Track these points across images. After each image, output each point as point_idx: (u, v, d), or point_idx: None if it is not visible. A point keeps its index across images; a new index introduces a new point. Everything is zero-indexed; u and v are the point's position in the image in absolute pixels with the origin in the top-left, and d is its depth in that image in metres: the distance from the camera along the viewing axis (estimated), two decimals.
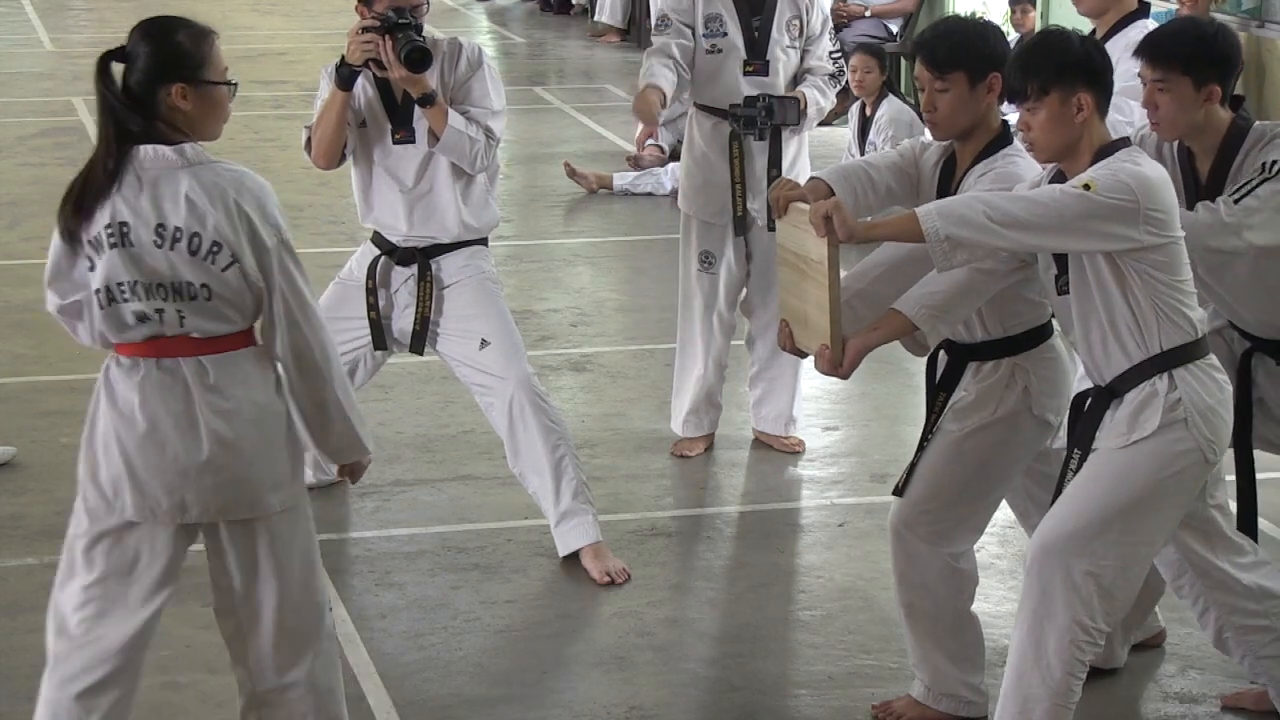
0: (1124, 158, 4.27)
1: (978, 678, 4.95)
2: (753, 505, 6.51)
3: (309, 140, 5.85)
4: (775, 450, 6.91)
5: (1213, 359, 4.40)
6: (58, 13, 18.55)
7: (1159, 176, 4.25)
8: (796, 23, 6.66)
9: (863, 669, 5.24)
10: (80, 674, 4.24)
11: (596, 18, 18.01)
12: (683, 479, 6.69)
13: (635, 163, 11.44)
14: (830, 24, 6.83)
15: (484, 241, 6.01)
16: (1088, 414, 4.44)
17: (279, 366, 4.12)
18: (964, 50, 4.56)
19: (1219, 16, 9.98)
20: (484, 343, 5.89)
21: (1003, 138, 4.64)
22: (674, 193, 10.93)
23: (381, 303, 5.99)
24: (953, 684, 4.91)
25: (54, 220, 4.14)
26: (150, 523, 4.11)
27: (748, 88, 6.61)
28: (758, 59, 6.62)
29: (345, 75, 5.74)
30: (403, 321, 6.00)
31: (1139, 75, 4.73)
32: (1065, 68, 4.28)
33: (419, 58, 5.63)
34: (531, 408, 5.80)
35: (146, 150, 4.06)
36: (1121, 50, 5.93)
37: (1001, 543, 6.13)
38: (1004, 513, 6.38)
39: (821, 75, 6.70)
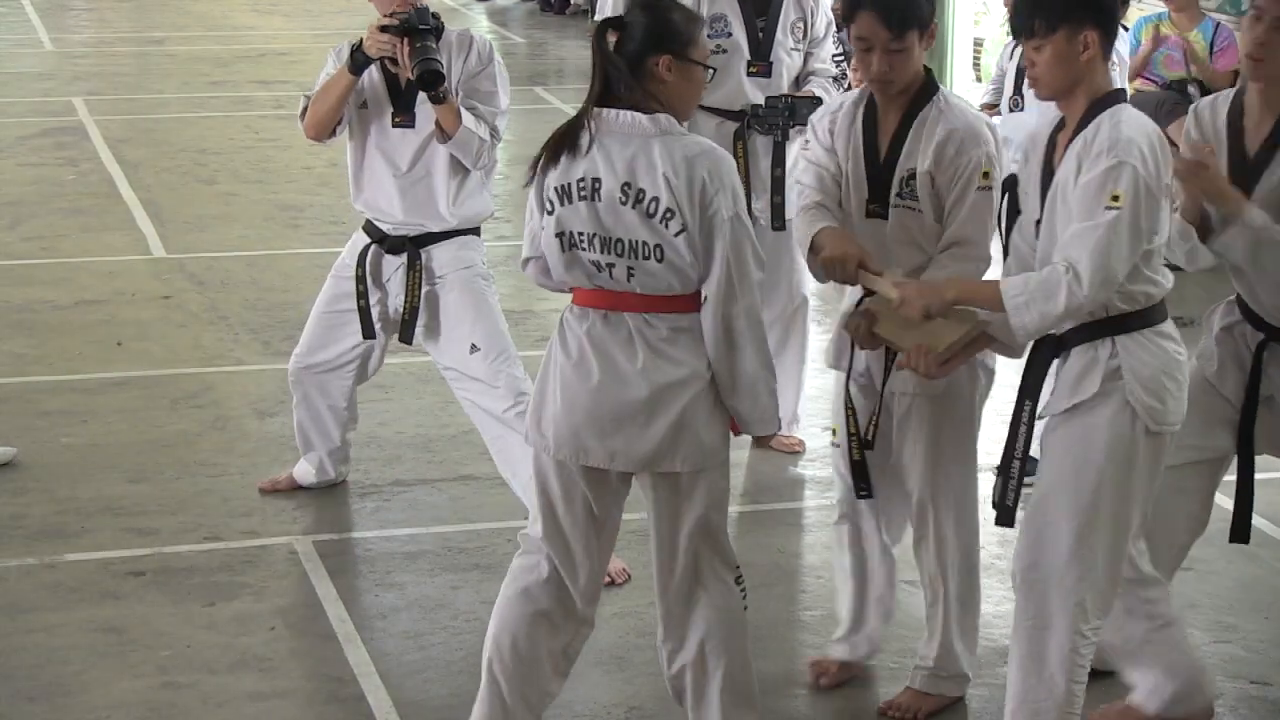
0: (1123, 127, 4.26)
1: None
2: (753, 505, 6.50)
3: (305, 110, 5.90)
4: (775, 450, 6.91)
5: (1165, 327, 4.40)
6: (58, 13, 18.55)
7: (1149, 134, 4.27)
8: (801, 25, 6.67)
9: (863, 669, 5.23)
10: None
11: (597, 18, 18.02)
12: None
13: None
14: (834, 26, 6.84)
15: (476, 232, 6.02)
16: (1035, 361, 4.49)
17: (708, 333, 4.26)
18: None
19: (1217, 17, 9.99)
20: (474, 348, 5.90)
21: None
22: None
23: (374, 294, 6.00)
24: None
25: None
26: (580, 464, 4.38)
27: (751, 89, 6.62)
28: (762, 60, 6.62)
29: (359, 62, 5.78)
30: (393, 311, 6.01)
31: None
32: (1074, 5, 4.29)
33: (431, 80, 5.65)
34: (523, 417, 5.80)
35: (626, 115, 4.22)
36: None
37: (1001, 543, 6.13)
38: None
39: (825, 77, 6.72)
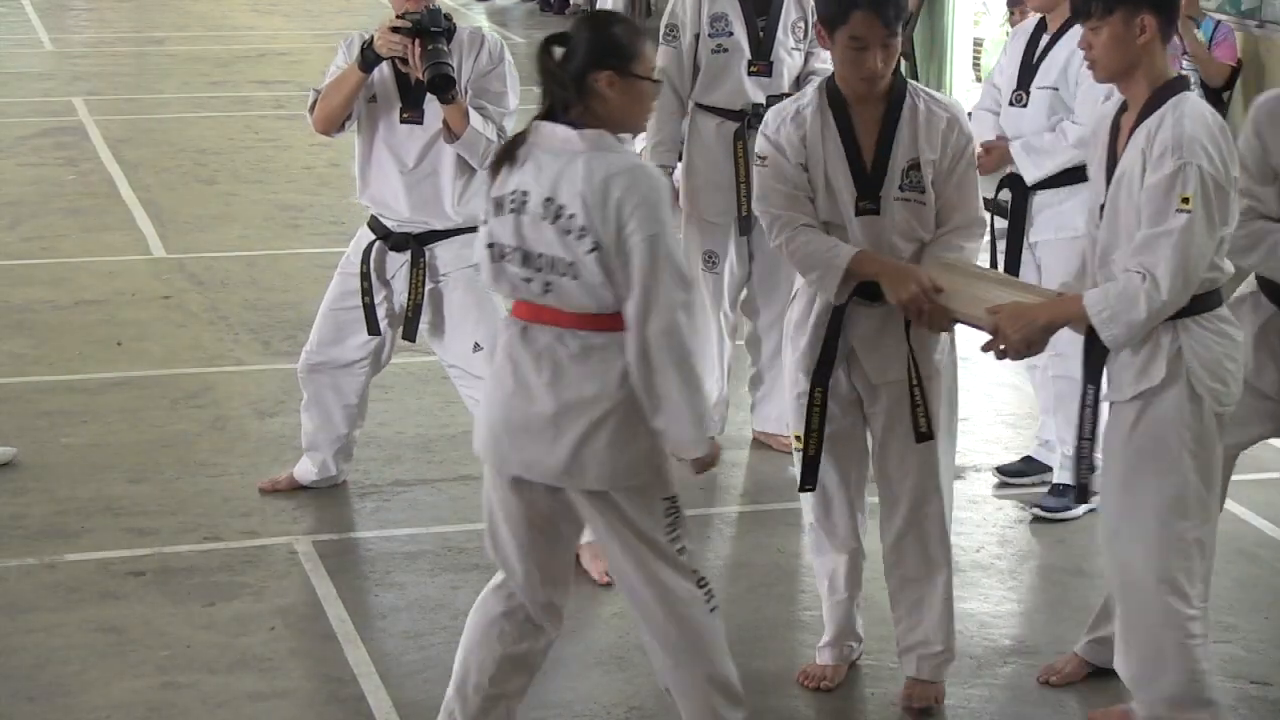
0: (1185, 123, 4.27)
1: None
2: (753, 505, 6.50)
3: (314, 104, 5.90)
4: (775, 450, 6.91)
5: (1223, 310, 4.44)
6: (58, 13, 18.56)
7: (1211, 127, 4.28)
8: (801, 24, 6.67)
9: (863, 669, 5.23)
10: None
11: None
12: (683, 479, 6.65)
13: None
14: None
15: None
16: (1094, 347, 4.48)
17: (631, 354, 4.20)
18: None
19: (1217, 16, 9.98)
20: (477, 346, 5.90)
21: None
22: (674, 193, 10.98)
23: (380, 291, 6.01)
24: None
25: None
26: (506, 475, 4.35)
27: (752, 88, 6.62)
28: (762, 60, 6.62)
29: (369, 60, 5.79)
30: (398, 308, 6.02)
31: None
32: None
33: (442, 84, 5.64)
34: None
35: (560, 130, 4.21)
36: (1067, 45, 5.96)
37: (1001, 543, 6.13)
38: (1004, 513, 6.38)
39: (825, 77, 6.70)
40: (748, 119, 6.61)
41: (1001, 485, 6.56)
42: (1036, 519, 6.27)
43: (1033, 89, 6.07)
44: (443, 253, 5.96)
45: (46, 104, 13.74)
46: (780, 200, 4.78)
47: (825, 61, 6.73)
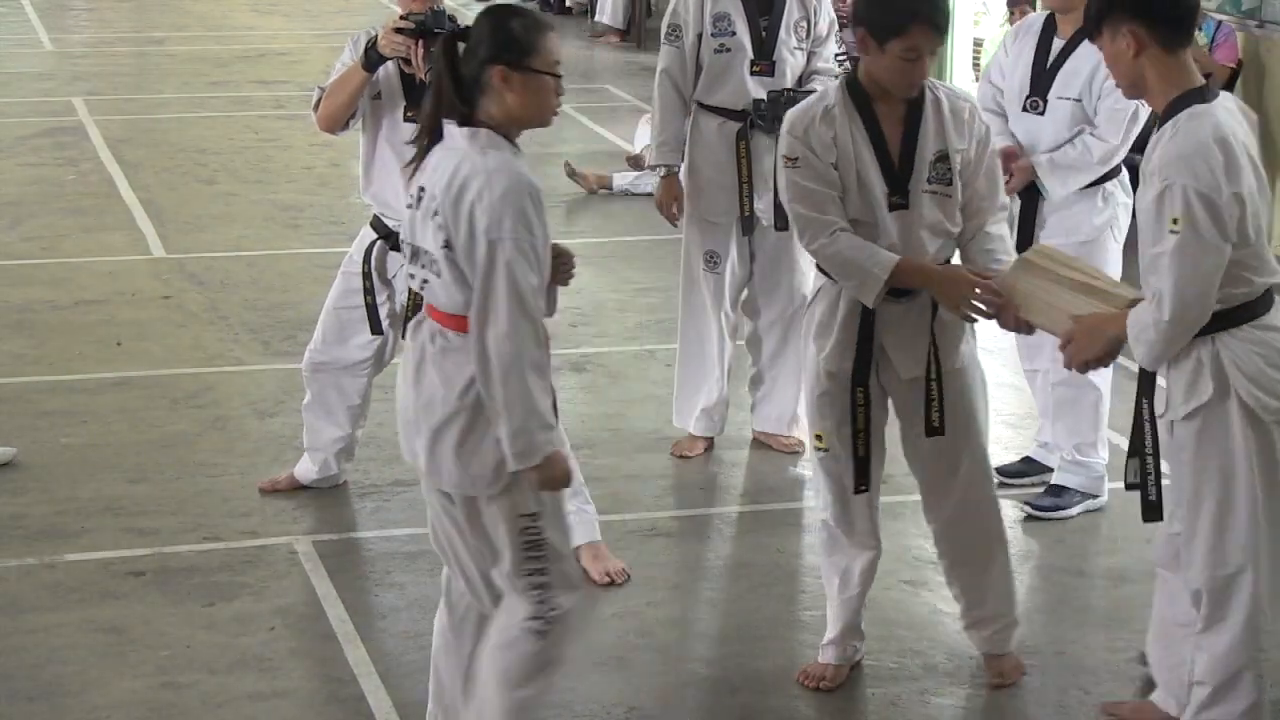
0: (1177, 141, 4.24)
1: None
2: (753, 505, 6.50)
3: (318, 101, 5.90)
4: (775, 450, 6.91)
5: (1269, 318, 4.36)
6: (58, 13, 18.55)
7: (1202, 143, 4.21)
8: (804, 24, 6.66)
9: (862, 669, 5.23)
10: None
11: (596, 18, 18.01)
12: (683, 479, 6.69)
13: (635, 163, 11.44)
14: (836, 26, 6.83)
15: None
16: None
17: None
18: None
19: (1218, 16, 9.98)
20: None
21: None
22: (679, 192, 10.96)
23: (381, 291, 6.01)
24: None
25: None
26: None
27: (755, 88, 6.61)
28: (765, 59, 6.61)
29: (373, 60, 5.80)
30: (399, 307, 6.02)
31: None
32: (1109, 4, 4.31)
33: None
34: None
35: (452, 128, 4.18)
36: (1089, 56, 5.92)
37: None
38: (1004, 513, 6.38)
39: (828, 76, 6.70)
40: (750, 119, 6.61)
41: (1001, 485, 6.54)
42: (1030, 518, 6.27)
43: (1051, 98, 6.01)
44: None
45: (46, 104, 13.74)
46: (813, 202, 4.78)
47: (827, 61, 6.73)
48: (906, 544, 6.08)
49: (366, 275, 6.00)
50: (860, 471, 4.96)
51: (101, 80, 14.76)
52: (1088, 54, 5.91)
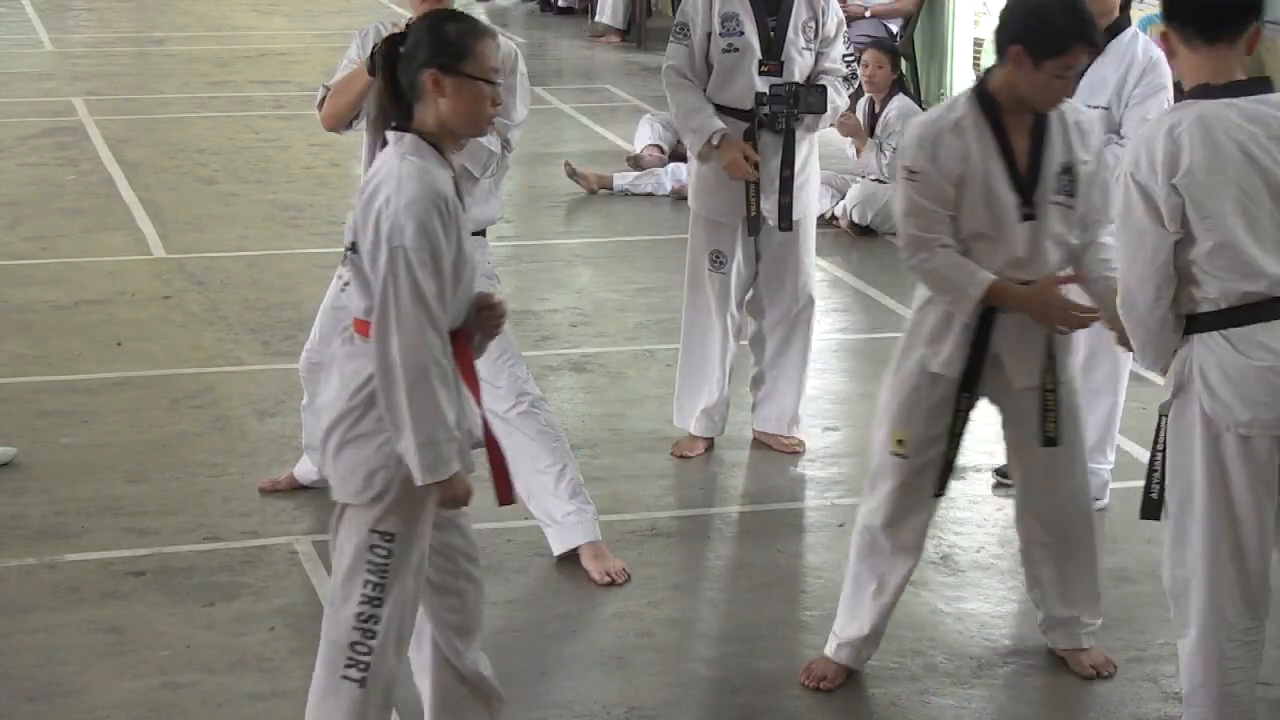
0: (1143, 129, 4.34)
1: None
2: (753, 505, 6.50)
3: (323, 100, 5.88)
4: (775, 450, 6.91)
5: (1250, 331, 4.24)
6: (58, 13, 18.54)
7: (1150, 139, 4.22)
8: (812, 25, 6.64)
9: (863, 669, 5.23)
10: None
11: (596, 18, 18.01)
12: (683, 479, 6.69)
13: (635, 163, 11.44)
14: (844, 26, 6.80)
15: (482, 234, 6.01)
16: None
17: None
18: None
19: None
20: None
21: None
22: (674, 192, 10.96)
23: None
24: None
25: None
26: None
27: (762, 88, 6.60)
28: (773, 59, 6.59)
29: (378, 65, 5.78)
30: None
31: None
32: (1160, 12, 4.37)
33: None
34: (524, 417, 5.79)
35: (389, 133, 4.14)
36: (1116, 64, 5.90)
37: (1001, 543, 6.13)
38: (1004, 513, 6.38)
39: (836, 77, 6.69)
40: (757, 119, 6.59)
41: (999, 485, 6.55)
42: None
43: (1078, 103, 5.97)
44: None
45: (46, 104, 13.73)
46: (924, 221, 4.84)
47: (835, 61, 6.69)
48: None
49: None
50: (944, 476, 5.01)
51: (101, 80, 14.76)
52: (1114, 60, 5.90)
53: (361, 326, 4.11)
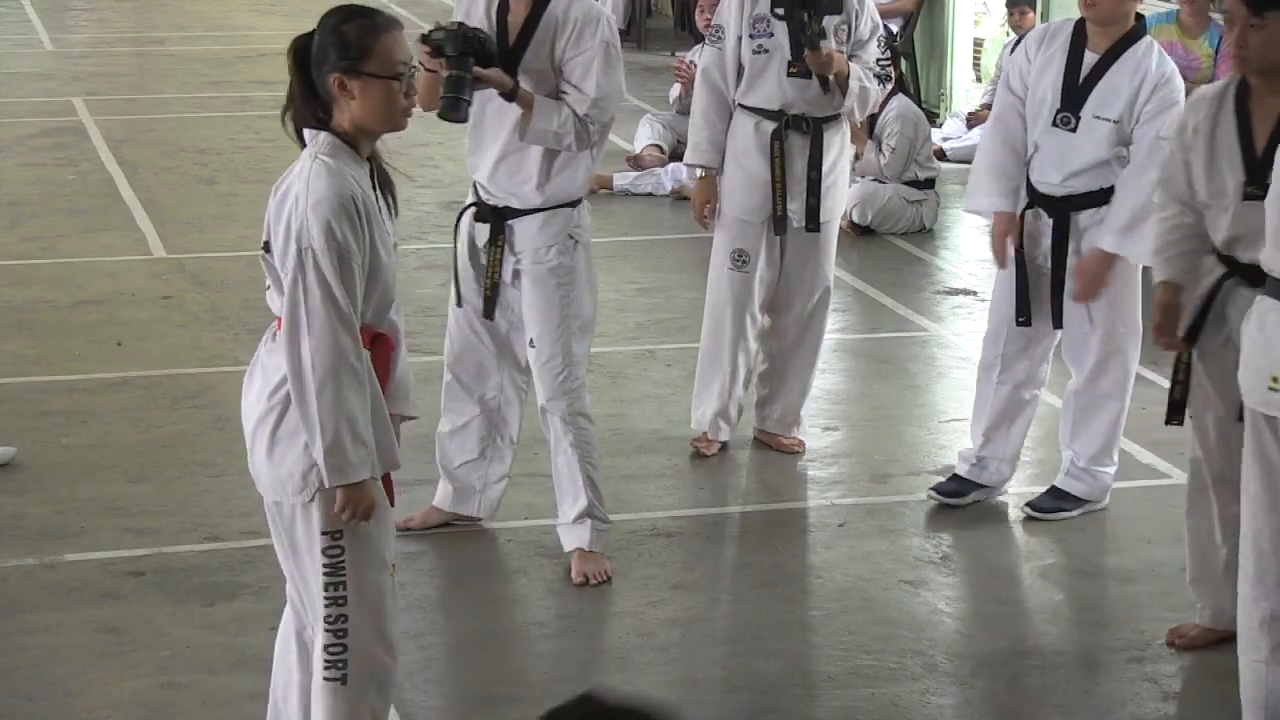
0: None
1: None
2: (753, 505, 6.50)
3: None
4: (775, 450, 6.90)
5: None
6: (58, 13, 18.54)
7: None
8: (845, 27, 6.58)
9: (863, 669, 5.23)
10: None
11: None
12: (683, 479, 6.69)
13: (635, 163, 11.44)
14: (880, 30, 6.76)
15: (573, 204, 5.76)
16: None
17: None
18: None
19: (1218, 17, 9.97)
20: (531, 342, 5.82)
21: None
22: (675, 192, 10.97)
23: (470, 260, 5.87)
24: None
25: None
26: None
27: (791, 90, 6.57)
28: (802, 61, 6.53)
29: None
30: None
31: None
32: None
33: (447, 116, 5.42)
34: (561, 426, 5.76)
35: (307, 132, 4.08)
36: (1129, 77, 5.88)
37: (1001, 543, 6.13)
38: (1004, 513, 6.38)
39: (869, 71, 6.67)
40: (786, 119, 6.56)
41: (943, 506, 6.47)
42: (1030, 519, 6.26)
43: (1086, 115, 5.90)
44: (521, 230, 5.75)
45: (46, 104, 13.73)
46: (1168, 206, 5.09)
47: (868, 65, 6.64)
48: (907, 544, 6.08)
49: (459, 242, 5.90)
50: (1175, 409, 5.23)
51: (101, 80, 14.76)
52: (1126, 72, 5.85)
53: (280, 323, 4.09)
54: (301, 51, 4.08)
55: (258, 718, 4.94)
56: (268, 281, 4.15)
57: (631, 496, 6.50)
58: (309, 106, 4.07)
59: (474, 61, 5.43)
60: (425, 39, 5.56)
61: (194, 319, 8.45)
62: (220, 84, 14.63)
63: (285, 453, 4.07)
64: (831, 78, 6.52)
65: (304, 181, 3.98)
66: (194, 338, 8.19)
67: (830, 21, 6.53)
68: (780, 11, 6.47)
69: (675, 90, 11.75)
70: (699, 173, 6.71)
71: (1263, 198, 4.75)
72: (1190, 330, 5.08)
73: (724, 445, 6.89)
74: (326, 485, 4.00)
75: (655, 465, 6.78)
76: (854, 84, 6.55)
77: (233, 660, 5.24)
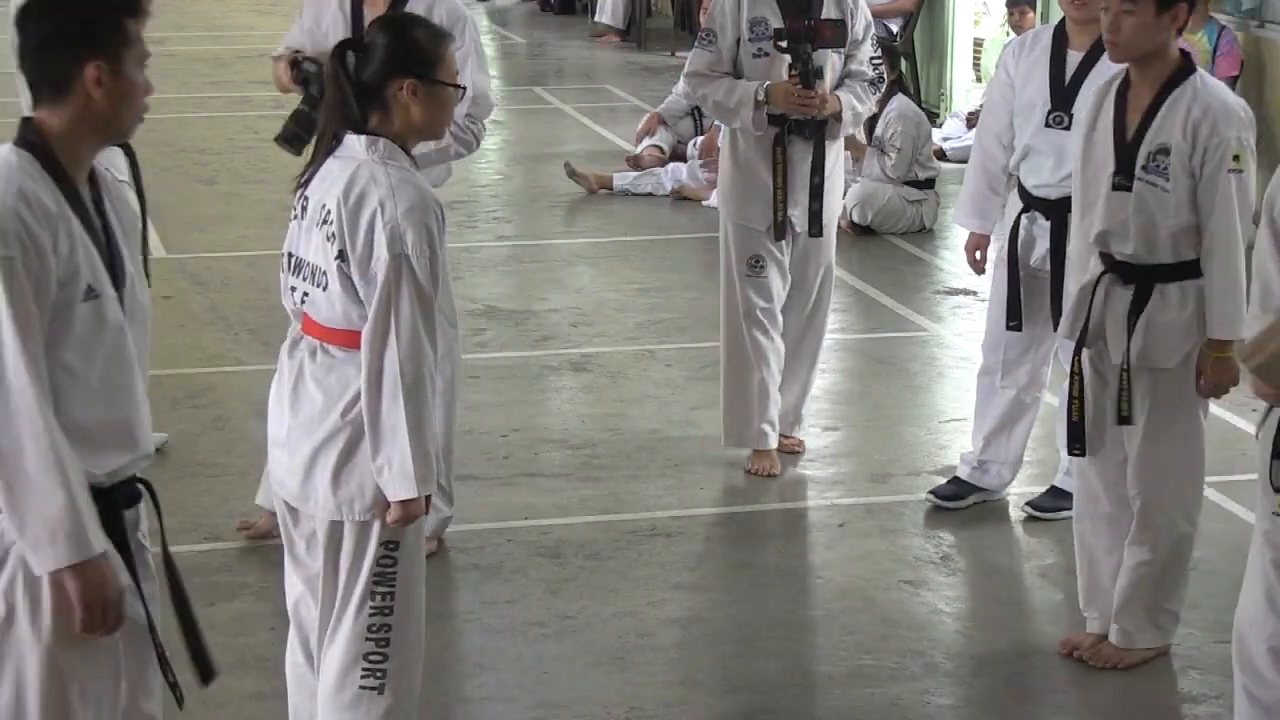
0: None
1: None
2: (753, 505, 6.50)
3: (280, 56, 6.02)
4: (778, 451, 6.89)
5: None
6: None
7: None
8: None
9: (863, 669, 5.23)
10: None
11: (596, 18, 18.02)
12: (682, 479, 6.68)
13: (635, 163, 11.45)
14: (873, 29, 6.74)
15: None
16: None
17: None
18: None
19: (1218, 17, 9.98)
20: None
21: (1186, 68, 4.88)
22: (675, 193, 10.97)
23: None
24: None
25: None
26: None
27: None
28: (804, 64, 6.50)
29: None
30: None
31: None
32: None
33: (290, 144, 5.84)
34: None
35: (351, 138, 4.05)
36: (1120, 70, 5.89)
37: (1001, 543, 6.13)
38: (1004, 513, 6.38)
39: (861, 80, 6.60)
40: (788, 124, 6.53)
41: (936, 509, 6.46)
42: (1030, 518, 6.27)
43: (1077, 112, 5.81)
44: None
45: None
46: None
47: (862, 64, 6.60)
48: (907, 544, 6.08)
49: None
50: (1072, 435, 5.17)
51: None
52: (1112, 67, 5.84)
53: (339, 336, 4.04)
54: (342, 56, 4.07)
55: (258, 718, 4.95)
56: (303, 291, 4.11)
57: (631, 496, 6.50)
58: (346, 110, 4.06)
59: None
60: (295, 64, 5.70)
61: (194, 319, 8.45)
62: (220, 84, 14.64)
63: (354, 470, 4.02)
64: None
65: (386, 188, 3.95)
66: (194, 338, 8.19)
67: (824, 54, 6.50)
68: (784, 44, 6.46)
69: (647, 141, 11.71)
70: (761, 95, 6.44)
71: (1129, 189, 4.84)
72: (1080, 332, 5.06)
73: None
74: (413, 495, 3.95)
75: (655, 465, 6.78)
76: (847, 114, 6.54)
77: (233, 660, 5.24)
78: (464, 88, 4.15)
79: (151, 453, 3.65)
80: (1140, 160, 4.89)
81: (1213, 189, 4.85)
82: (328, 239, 4.01)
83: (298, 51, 5.78)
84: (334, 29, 5.90)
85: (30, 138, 3.43)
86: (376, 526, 4.04)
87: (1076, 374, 5.10)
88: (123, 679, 3.61)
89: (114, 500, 3.48)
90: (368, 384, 3.95)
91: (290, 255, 4.20)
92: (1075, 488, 5.38)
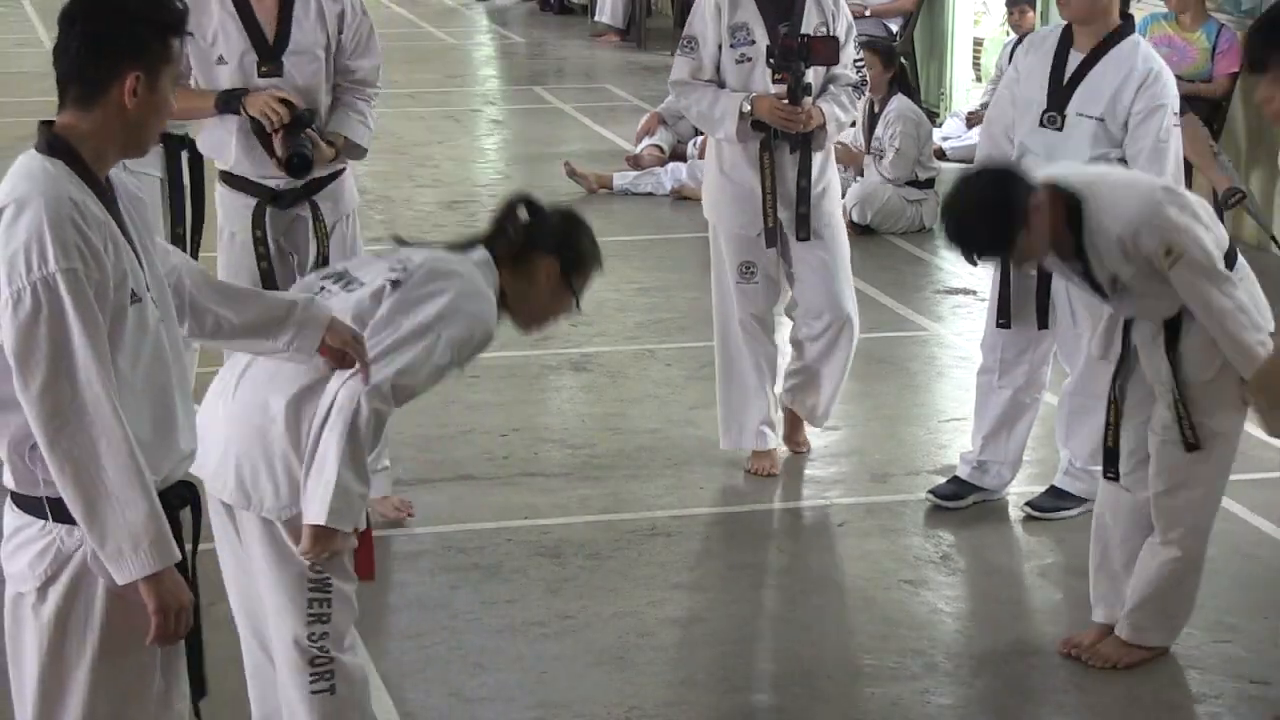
0: None
1: None
2: (753, 505, 6.50)
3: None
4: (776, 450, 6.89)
5: None
6: (58, 12, 18.55)
7: None
8: (824, 29, 6.53)
9: (863, 669, 5.23)
10: None
11: (596, 18, 18.03)
12: (682, 479, 6.68)
13: (635, 163, 11.45)
14: (855, 31, 6.72)
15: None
16: None
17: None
18: None
19: (1218, 16, 9.98)
20: None
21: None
22: (675, 192, 10.97)
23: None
24: None
25: None
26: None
27: (776, 89, 6.53)
28: (785, 68, 6.49)
29: (233, 107, 5.97)
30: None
31: None
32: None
33: (299, 167, 5.86)
34: None
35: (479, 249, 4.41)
36: (1114, 73, 5.87)
37: (1001, 543, 6.13)
38: (1004, 513, 6.38)
39: (845, 85, 6.58)
40: (773, 130, 6.51)
41: (936, 508, 6.46)
42: (1030, 518, 6.26)
43: (1070, 114, 5.86)
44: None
45: (47, 104, 13.66)
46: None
47: (845, 66, 6.60)
48: (907, 544, 6.08)
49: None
50: (1108, 460, 5.22)
51: None
52: (1110, 71, 5.80)
53: None
54: (525, 209, 4.50)
55: None
56: (336, 289, 4.11)
57: (631, 496, 6.50)
58: (498, 240, 4.40)
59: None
60: (290, 105, 5.71)
61: None
62: None
63: (295, 469, 4.05)
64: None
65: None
66: None
67: (809, 23, 6.47)
68: (772, 62, 6.44)
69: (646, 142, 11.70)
70: (747, 107, 6.43)
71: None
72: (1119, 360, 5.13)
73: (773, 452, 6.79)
74: (313, 522, 4.00)
75: (655, 465, 6.78)
76: (831, 125, 6.50)
77: (233, 660, 5.23)
78: (578, 306, 4.48)
79: (190, 452, 3.61)
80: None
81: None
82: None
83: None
84: (224, 31, 5.83)
85: (57, 144, 3.40)
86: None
87: (1113, 401, 5.11)
88: (159, 680, 3.67)
89: (169, 504, 3.45)
90: (323, 407, 3.95)
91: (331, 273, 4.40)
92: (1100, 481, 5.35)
